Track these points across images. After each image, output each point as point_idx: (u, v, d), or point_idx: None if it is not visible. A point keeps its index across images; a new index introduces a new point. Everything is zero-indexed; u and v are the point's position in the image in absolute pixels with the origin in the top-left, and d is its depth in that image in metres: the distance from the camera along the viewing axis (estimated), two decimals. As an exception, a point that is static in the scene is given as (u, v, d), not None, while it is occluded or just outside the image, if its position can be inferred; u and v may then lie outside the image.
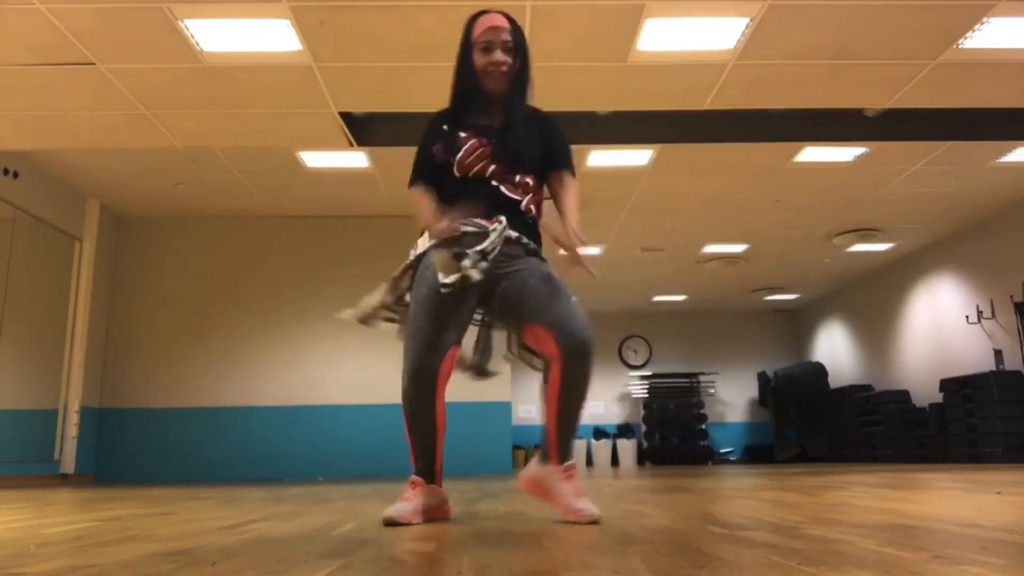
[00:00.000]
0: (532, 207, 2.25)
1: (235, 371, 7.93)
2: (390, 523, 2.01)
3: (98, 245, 7.76)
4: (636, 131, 6.18)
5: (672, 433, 12.91)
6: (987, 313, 8.56)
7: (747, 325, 14.00)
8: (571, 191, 2.29)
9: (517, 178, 2.22)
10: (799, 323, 13.95)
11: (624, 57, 5.02)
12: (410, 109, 5.74)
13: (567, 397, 2.09)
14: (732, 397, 13.77)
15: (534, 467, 2.20)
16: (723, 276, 11.21)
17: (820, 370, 12.42)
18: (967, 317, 8.87)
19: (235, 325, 8.03)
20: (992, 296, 8.49)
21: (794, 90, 5.51)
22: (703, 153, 6.72)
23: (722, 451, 13.28)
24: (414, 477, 2.15)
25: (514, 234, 2.16)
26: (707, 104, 5.70)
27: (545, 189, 2.33)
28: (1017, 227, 8.16)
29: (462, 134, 2.21)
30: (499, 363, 2.32)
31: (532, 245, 2.21)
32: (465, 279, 2.04)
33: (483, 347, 2.31)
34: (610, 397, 13.51)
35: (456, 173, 2.20)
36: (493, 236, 2.10)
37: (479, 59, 2.23)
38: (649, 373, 13.38)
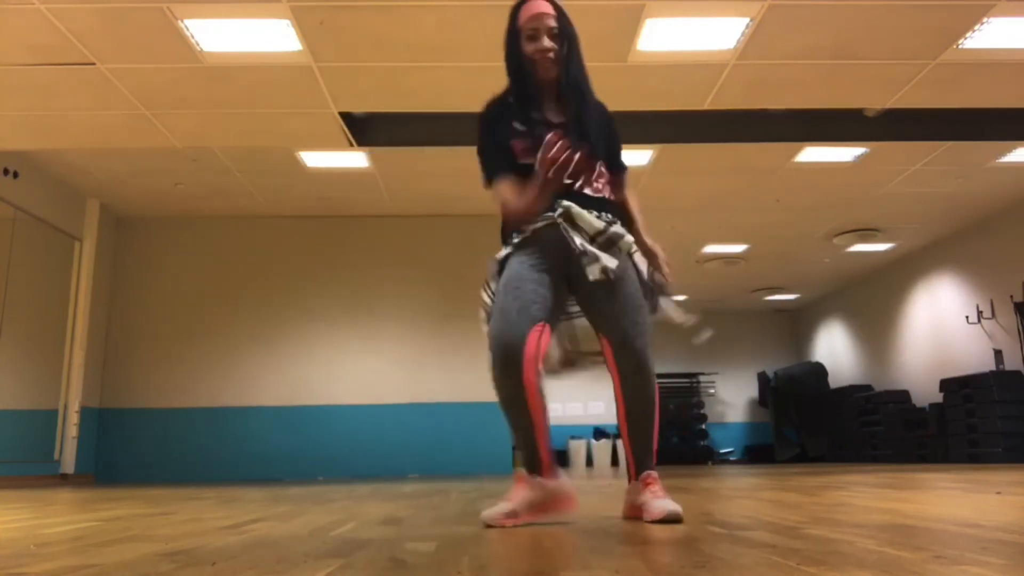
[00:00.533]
0: (611, 194, 2.19)
1: (235, 371, 7.93)
2: (486, 526, 1.90)
3: (98, 245, 7.76)
4: (636, 131, 6.18)
5: (672, 433, 12.91)
6: (987, 313, 8.56)
7: (747, 325, 14.00)
8: (633, 196, 2.28)
9: (595, 172, 2.15)
10: (799, 323, 13.95)
11: (624, 57, 5.02)
12: (410, 109, 5.74)
13: (631, 414, 2.07)
14: (732, 397, 13.77)
15: (627, 493, 2.14)
16: (723, 276, 11.21)
17: (820, 370, 12.42)
18: (967, 317, 8.87)
19: (235, 325, 8.03)
20: (992, 296, 8.49)
21: (794, 90, 5.51)
22: (703, 153, 6.72)
23: (722, 451, 13.28)
24: (518, 470, 2.05)
25: (594, 214, 2.07)
26: (707, 104, 5.70)
27: None
28: (1017, 227, 8.16)
29: (520, 127, 2.14)
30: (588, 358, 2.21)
31: (606, 218, 2.09)
32: (606, 270, 1.97)
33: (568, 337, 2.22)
34: (610, 397, 13.49)
35: (546, 174, 2.04)
36: (576, 215, 2.02)
37: (527, 47, 2.16)
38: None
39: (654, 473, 2.08)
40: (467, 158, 7.05)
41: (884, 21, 4.68)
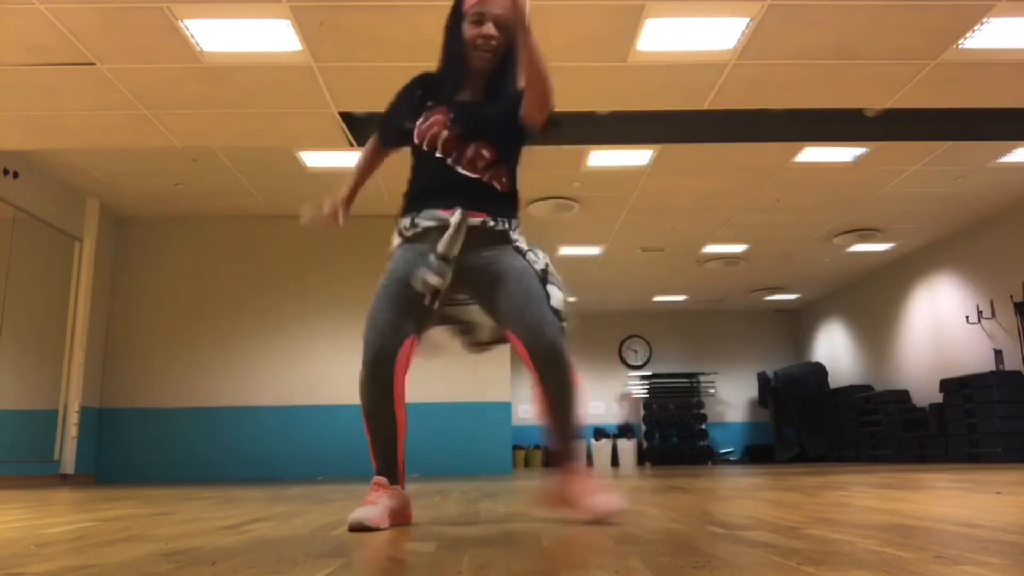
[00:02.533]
0: (495, 181, 2.10)
1: (235, 371, 7.93)
2: (358, 528, 1.87)
3: (98, 245, 7.76)
4: (636, 131, 6.18)
5: (672, 433, 12.91)
6: (987, 313, 8.56)
7: (747, 325, 14.00)
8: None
9: (471, 150, 2.07)
10: (799, 323, 13.95)
11: (624, 57, 5.02)
12: (410, 109, 5.73)
13: (552, 405, 2.02)
14: (732, 397, 13.77)
15: (545, 485, 2.12)
16: (723, 276, 11.21)
17: (820, 370, 12.42)
18: (967, 317, 8.87)
19: (235, 325, 8.03)
20: (992, 296, 8.49)
21: (794, 90, 5.51)
22: (703, 153, 6.72)
23: (722, 451, 13.29)
24: (377, 478, 2.04)
25: (477, 220, 2.04)
26: (707, 104, 5.70)
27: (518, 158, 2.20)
28: (1017, 227, 8.16)
29: (430, 103, 2.15)
30: (495, 332, 2.19)
31: (501, 226, 2.07)
32: (428, 286, 1.99)
33: (465, 323, 2.22)
34: (610, 397, 13.51)
35: (416, 141, 2.13)
36: (448, 235, 2.01)
37: (468, 30, 2.12)
38: (649, 373, 13.38)
39: (583, 465, 2.05)
40: (467, 158, 7.07)
41: (884, 21, 4.67)
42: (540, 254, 2.13)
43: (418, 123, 2.13)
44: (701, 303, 13.19)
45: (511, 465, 8.03)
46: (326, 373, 7.92)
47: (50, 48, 4.82)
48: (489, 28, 2.09)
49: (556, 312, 2.04)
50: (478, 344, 2.25)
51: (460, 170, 2.08)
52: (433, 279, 1.99)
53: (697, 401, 13.06)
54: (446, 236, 2.01)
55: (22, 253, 6.85)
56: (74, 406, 7.30)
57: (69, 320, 7.45)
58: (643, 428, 13.00)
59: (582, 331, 13.53)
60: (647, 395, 13.13)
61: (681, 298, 12.78)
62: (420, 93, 2.19)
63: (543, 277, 2.07)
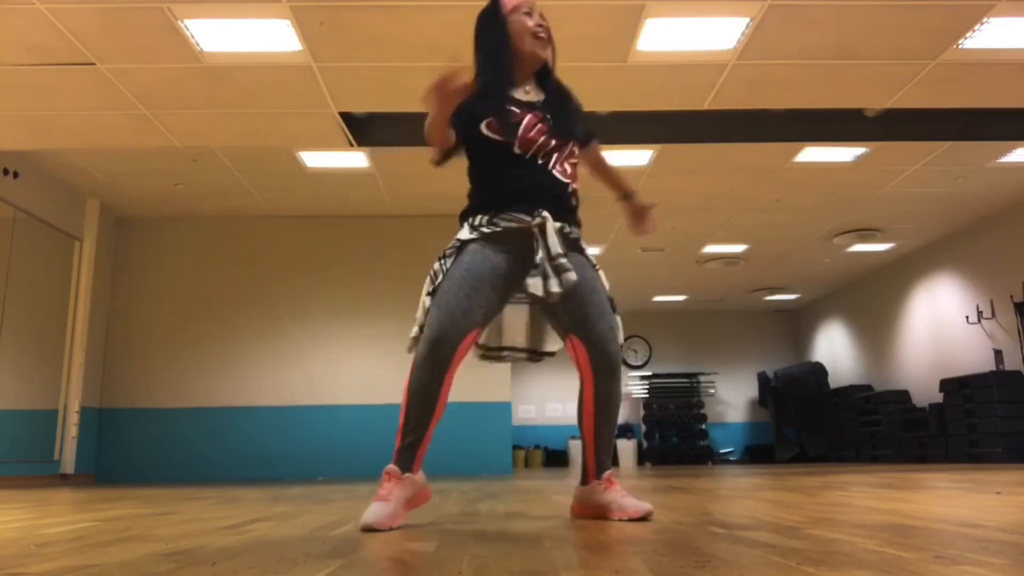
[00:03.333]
0: (575, 187, 2.22)
1: (235, 371, 7.93)
2: (368, 530, 1.86)
3: (98, 245, 7.77)
4: (636, 131, 6.18)
5: (672, 433, 12.91)
6: (987, 313, 8.56)
7: (747, 325, 14.00)
8: (605, 157, 2.42)
9: (569, 154, 2.18)
10: (799, 323, 13.95)
11: (624, 57, 5.02)
12: (410, 109, 5.74)
13: (601, 415, 2.10)
14: (732, 397, 13.77)
15: (577, 493, 2.17)
16: (723, 276, 11.21)
17: (820, 370, 12.43)
18: (967, 317, 8.87)
19: (235, 325, 8.03)
20: (992, 296, 8.49)
21: (794, 90, 5.51)
22: (703, 153, 6.72)
23: (722, 451, 13.29)
24: (390, 467, 2.00)
25: (556, 226, 2.08)
26: (707, 104, 5.70)
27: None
28: (1017, 227, 8.16)
29: (515, 109, 2.13)
30: (554, 342, 2.27)
31: (575, 235, 2.16)
32: (552, 295, 1.98)
33: (534, 328, 2.26)
34: (610, 397, 13.50)
35: (518, 150, 2.11)
36: (553, 238, 2.03)
37: (525, 21, 2.16)
38: (649, 373, 13.39)
39: (613, 472, 2.14)
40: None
41: (884, 21, 4.68)
42: (600, 273, 2.22)
43: (519, 133, 2.10)
44: (701, 303, 13.19)
45: (511, 465, 8.03)
46: (326, 373, 7.92)
47: (50, 48, 4.82)
48: (539, 18, 2.19)
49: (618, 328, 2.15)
50: (537, 354, 2.29)
51: (555, 173, 2.14)
52: (556, 288, 1.98)
53: (697, 401, 13.06)
54: (553, 239, 2.03)
55: (22, 253, 6.85)
56: (74, 406, 7.30)
57: (69, 320, 7.45)
58: (643, 428, 13.00)
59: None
60: (647, 395, 13.13)
61: (681, 298, 12.78)
62: (485, 98, 2.12)
63: (605, 290, 2.16)
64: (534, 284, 2.00)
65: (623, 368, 2.14)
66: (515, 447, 11.58)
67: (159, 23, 4.57)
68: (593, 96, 5.56)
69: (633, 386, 13.32)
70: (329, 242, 8.29)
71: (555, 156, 2.14)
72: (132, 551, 1.55)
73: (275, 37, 4.75)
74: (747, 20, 4.67)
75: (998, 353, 8.34)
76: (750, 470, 7.60)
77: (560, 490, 3.95)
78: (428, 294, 2.12)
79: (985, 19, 4.65)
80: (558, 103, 2.22)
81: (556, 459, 12.73)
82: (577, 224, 2.19)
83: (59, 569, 1.30)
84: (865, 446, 10.61)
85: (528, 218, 2.07)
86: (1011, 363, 8.13)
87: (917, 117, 6.03)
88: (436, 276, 2.12)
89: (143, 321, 8.01)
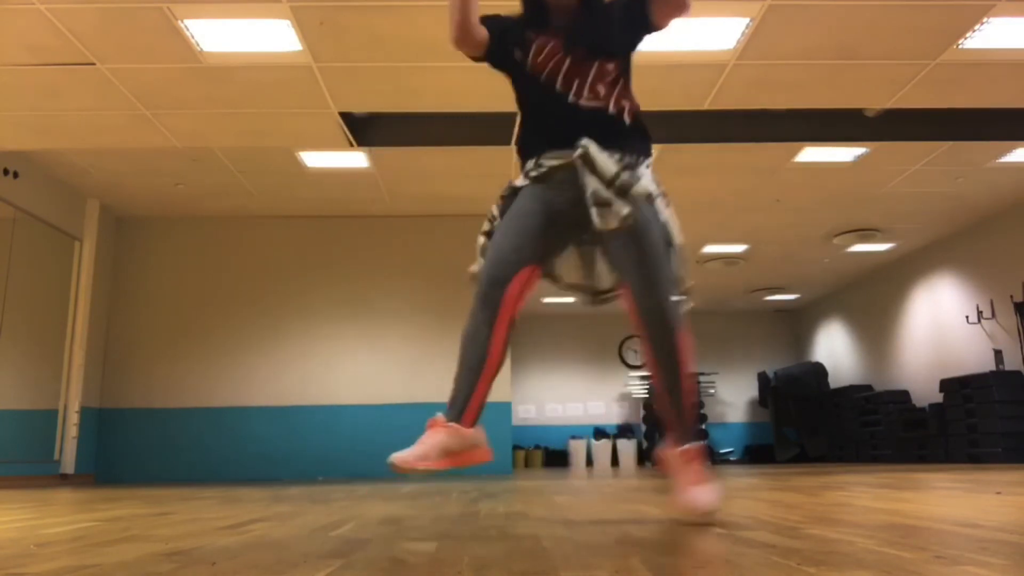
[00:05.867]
0: (620, 108, 2.02)
1: (235, 371, 7.93)
2: (394, 469, 1.77)
3: (98, 245, 7.76)
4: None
5: (672, 433, 12.89)
6: (987, 313, 8.56)
7: (747, 325, 14.00)
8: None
9: (594, 70, 1.99)
10: (799, 323, 13.95)
11: (624, 57, 5.02)
12: (410, 109, 5.74)
13: (659, 375, 1.96)
14: (732, 397, 13.77)
15: (659, 451, 2.05)
16: (723, 276, 11.21)
17: (820, 370, 12.43)
18: (967, 317, 8.87)
19: (235, 325, 8.03)
20: (992, 296, 8.49)
21: (794, 90, 5.51)
22: (703, 153, 6.72)
23: (722, 451, 13.29)
24: (437, 416, 1.90)
25: (612, 155, 1.93)
26: (707, 104, 5.70)
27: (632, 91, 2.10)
28: (1017, 227, 8.16)
29: (533, 34, 2.04)
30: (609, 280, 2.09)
31: (633, 162, 1.97)
32: (625, 219, 1.85)
33: (587, 265, 2.11)
34: (611, 398, 13.51)
35: (532, 75, 2.02)
36: (601, 161, 1.89)
37: None
38: (649, 373, 13.38)
39: (698, 448, 1.94)
40: (467, 158, 7.07)
41: (884, 21, 4.68)
42: (661, 202, 2.02)
43: (529, 56, 2.01)
44: (701, 303, 13.19)
45: (511, 465, 8.03)
46: (326, 373, 7.92)
47: (50, 48, 4.82)
48: None
49: (678, 269, 1.99)
50: (597, 294, 2.13)
51: (583, 103, 1.99)
52: (622, 209, 1.86)
53: (697, 401, 13.05)
54: (602, 162, 1.90)
55: (22, 253, 6.85)
56: (74, 406, 7.30)
57: (69, 320, 7.45)
58: (643, 428, 13.00)
59: (582, 331, 13.54)
60: (647, 395, 13.13)
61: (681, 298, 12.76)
62: (513, 25, 2.06)
63: (666, 232, 1.99)
64: (597, 220, 1.88)
65: (675, 321, 1.96)
66: (515, 447, 11.57)
67: (159, 23, 4.57)
68: (593, 96, 5.56)
69: (633, 386, 13.32)
70: (329, 242, 8.29)
71: (577, 80, 1.99)
72: (132, 551, 1.55)
73: (275, 37, 4.75)
74: (747, 20, 4.67)
75: (998, 353, 8.34)
76: (750, 470, 7.60)
77: (560, 490, 3.95)
78: (483, 233, 2.07)
79: (985, 19, 4.65)
80: (587, 18, 2.03)
81: (556, 459, 12.73)
82: (637, 152, 2.01)
83: (59, 569, 1.30)
84: (865, 446, 10.61)
85: (569, 151, 1.95)
86: (1011, 363, 8.13)
87: (917, 117, 6.03)
88: (493, 218, 2.07)
89: (143, 321, 8.00)
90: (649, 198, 1.97)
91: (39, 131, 6.02)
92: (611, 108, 2.01)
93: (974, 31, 4.78)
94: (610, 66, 2.02)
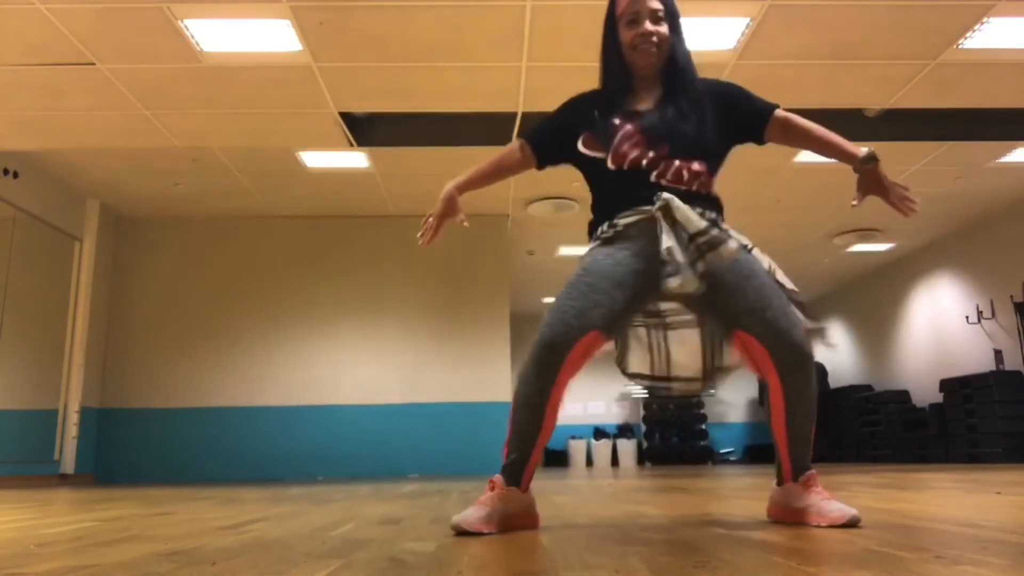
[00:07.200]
0: (700, 188, 1.93)
1: (235, 371, 7.93)
2: (459, 532, 1.74)
3: (98, 245, 7.76)
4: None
5: (672, 433, 12.91)
6: (987, 313, 8.55)
7: (747, 325, 13.98)
8: (803, 122, 2.02)
9: (677, 163, 1.91)
10: (799, 323, 13.93)
11: (624, 57, 5.02)
12: (410, 109, 5.74)
13: (794, 416, 1.84)
14: (732, 397, 13.77)
15: (773, 494, 1.96)
16: (723, 276, 11.20)
17: (820, 370, 12.43)
18: (967, 317, 8.87)
19: (235, 325, 8.03)
20: (992, 296, 8.49)
21: (794, 90, 5.50)
22: (703, 153, 6.71)
23: (722, 451, 13.29)
24: (495, 477, 1.87)
25: (693, 209, 1.85)
26: (707, 104, 5.69)
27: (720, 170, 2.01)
28: (1017, 227, 8.16)
29: (615, 120, 1.96)
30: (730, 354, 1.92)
31: (711, 216, 1.90)
32: (687, 285, 1.78)
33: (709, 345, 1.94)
34: (610, 397, 13.51)
35: (611, 165, 1.94)
36: (685, 214, 1.81)
37: (625, 33, 1.99)
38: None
39: (815, 473, 1.88)
40: (467, 158, 7.05)
41: (884, 21, 4.67)
42: (757, 251, 1.94)
43: (612, 145, 1.94)
44: (701, 303, 13.19)
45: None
46: (326, 373, 7.92)
47: (50, 48, 4.82)
48: (648, 26, 1.98)
49: (802, 307, 1.88)
50: (689, 380, 1.96)
51: (663, 183, 1.90)
52: (692, 283, 1.78)
53: (697, 401, 13.06)
54: (686, 215, 1.81)
55: (22, 253, 6.85)
56: (74, 406, 7.30)
57: (69, 320, 7.44)
58: (643, 428, 13.00)
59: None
60: (647, 395, 13.12)
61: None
62: (594, 109, 2.01)
63: (771, 273, 1.90)
64: (671, 281, 1.79)
65: (812, 363, 1.85)
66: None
67: (159, 23, 4.57)
68: (593, 96, 5.56)
69: (633, 386, 13.33)
70: (329, 242, 8.28)
71: (660, 167, 1.91)
72: (132, 551, 1.55)
73: (275, 37, 4.75)
74: (747, 20, 4.67)
75: (998, 353, 8.34)
76: (750, 470, 7.60)
77: (560, 490, 3.95)
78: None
79: (985, 19, 4.65)
80: (676, 107, 1.97)
81: (556, 459, 12.72)
82: (716, 211, 1.94)
83: (59, 569, 1.30)
84: (865, 446, 10.61)
85: (649, 207, 1.86)
86: (1011, 363, 8.13)
87: (917, 117, 6.03)
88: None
89: (143, 321, 8.00)
90: (745, 248, 1.90)
91: (39, 131, 6.02)
92: (693, 189, 1.93)
93: (974, 31, 4.77)
94: (695, 165, 1.93)
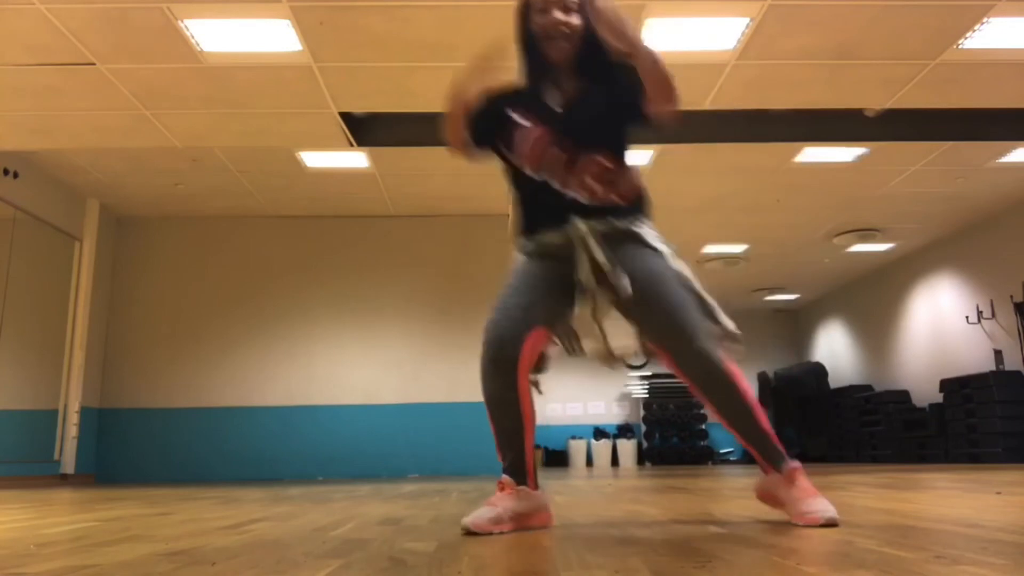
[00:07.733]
0: (615, 197, 1.93)
1: (235, 371, 7.93)
2: (468, 533, 1.74)
3: (98, 245, 7.76)
4: (636, 131, 6.17)
5: (672, 433, 12.91)
6: (987, 313, 8.55)
7: (747, 325, 13.84)
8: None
9: (584, 165, 1.90)
10: (799, 323, 13.94)
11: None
12: (410, 109, 5.74)
13: (728, 418, 1.89)
14: (732, 397, 13.75)
15: (759, 480, 2.00)
16: (723, 276, 11.21)
17: (820, 370, 12.42)
18: (967, 317, 8.87)
19: (235, 325, 8.03)
20: (992, 296, 8.49)
21: (794, 90, 5.51)
22: (703, 153, 6.72)
23: (722, 451, 13.28)
24: (502, 477, 1.88)
25: (600, 225, 1.89)
26: (707, 104, 5.70)
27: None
28: (1017, 227, 8.16)
29: (526, 121, 1.94)
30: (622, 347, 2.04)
31: (624, 225, 1.91)
32: (601, 311, 1.87)
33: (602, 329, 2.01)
34: (610, 397, 13.51)
35: (524, 168, 1.95)
36: (596, 253, 1.87)
37: (537, 21, 1.94)
38: (649, 373, 13.38)
39: (797, 465, 1.89)
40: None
41: (884, 21, 4.67)
42: (672, 257, 1.97)
43: (515, 142, 1.95)
44: (701, 303, 13.18)
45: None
46: (326, 373, 7.92)
47: (50, 48, 4.81)
48: (557, 14, 1.92)
49: (713, 315, 1.92)
50: (612, 357, 2.07)
51: (570, 194, 1.91)
52: (605, 309, 1.87)
53: (697, 401, 13.04)
54: (592, 249, 1.87)
55: (22, 253, 6.85)
56: (74, 406, 7.30)
57: (69, 320, 7.44)
58: (643, 428, 13.00)
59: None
60: (647, 395, 13.13)
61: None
62: (503, 101, 2.00)
63: (684, 279, 1.93)
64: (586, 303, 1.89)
65: (719, 367, 1.90)
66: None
67: (159, 23, 4.57)
68: (593, 96, 5.55)
69: (633, 386, 13.32)
70: (329, 242, 8.28)
71: (568, 172, 1.91)
72: (132, 551, 1.55)
73: (275, 37, 4.75)
74: (747, 20, 4.67)
75: (998, 353, 8.34)
76: (750, 470, 7.60)
77: (560, 490, 3.95)
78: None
79: (985, 19, 4.65)
80: (583, 100, 1.95)
81: (556, 459, 12.73)
82: (627, 213, 1.93)
83: (59, 569, 1.30)
84: (865, 446, 10.61)
85: (560, 232, 1.91)
86: (1011, 363, 8.13)
87: (917, 117, 6.02)
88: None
89: (143, 321, 8.00)
90: (652, 248, 1.93)
91: (39, 131, 6.02)
92: (603, 201, 1.93)
93: (974, 31, 4.77)
94: (603, 160, 1.92)
